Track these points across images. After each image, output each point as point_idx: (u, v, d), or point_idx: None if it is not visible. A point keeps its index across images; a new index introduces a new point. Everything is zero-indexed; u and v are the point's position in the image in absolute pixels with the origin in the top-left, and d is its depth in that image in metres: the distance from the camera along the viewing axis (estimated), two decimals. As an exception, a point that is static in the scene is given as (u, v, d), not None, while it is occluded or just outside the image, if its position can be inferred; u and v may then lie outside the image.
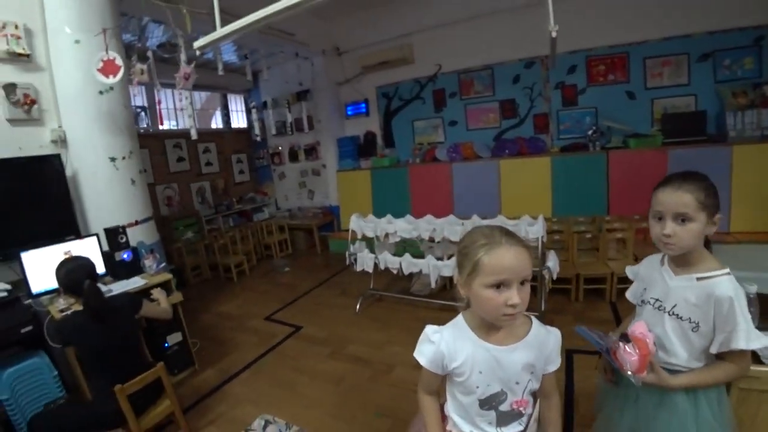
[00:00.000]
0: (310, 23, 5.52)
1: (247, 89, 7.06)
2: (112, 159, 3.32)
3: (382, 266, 3.61)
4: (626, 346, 1.08)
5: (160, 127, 6.03)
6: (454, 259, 3.14)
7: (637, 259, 2.42)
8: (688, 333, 1.14)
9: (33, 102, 3.08)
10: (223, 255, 5.57)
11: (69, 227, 3.15)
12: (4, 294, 2.70)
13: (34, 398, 2.35)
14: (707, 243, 1.18)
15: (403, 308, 3.84)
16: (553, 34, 2.25)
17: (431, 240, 3.34)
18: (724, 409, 1.15)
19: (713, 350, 1.11)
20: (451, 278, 3.94)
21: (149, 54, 3.32)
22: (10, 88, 2.97)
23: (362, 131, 6.21)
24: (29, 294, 2.77)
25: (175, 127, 6.34)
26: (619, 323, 1.66)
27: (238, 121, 7.42)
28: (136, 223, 3.47)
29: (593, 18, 4.54)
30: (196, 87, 6.46)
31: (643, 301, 1.30)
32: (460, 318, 1.17)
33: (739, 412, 1.18)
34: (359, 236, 3.79)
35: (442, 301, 3.68)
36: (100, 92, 3.22)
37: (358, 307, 3.85)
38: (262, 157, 7.32)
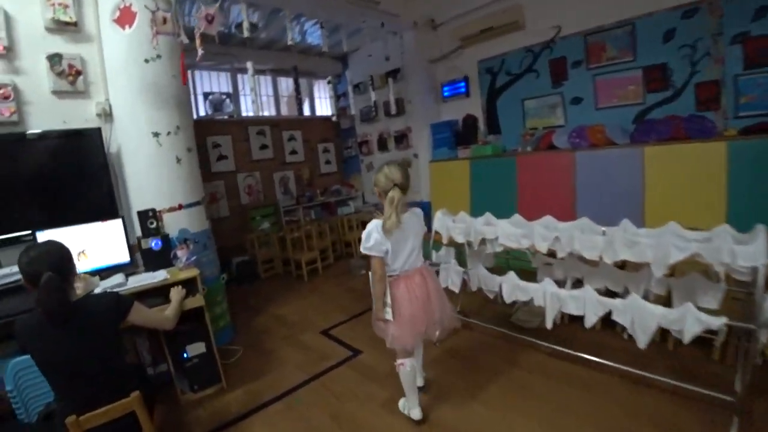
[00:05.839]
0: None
1: (335, 74, 6.52)
2: (156, 134, 2.88)
3: (473, 286, 2.59)
4: None
5: (244, 114, 5.75)
6: (589, 290, 2.06)
7: None
8: None
9: (78, 73, 2.78)
10: (297, 250, 5.01)
11: (107, 208, 2.76)
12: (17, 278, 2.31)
13: (40, 394, 2.04)
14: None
15: (498, 344, 2.77)
16: None
17: (551, 254, 2.21)
18: None
19: None
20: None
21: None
22: (55, 58, 2.70)
23: (461, 115, 5.20)
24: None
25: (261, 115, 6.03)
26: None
27: (327, 108, 6.93)
28: (180, 207, 2.97)
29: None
30: (280, 72, 6.09)
31: None
32: None
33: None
34: (445, 240, 2.82)
35: (558, 347, 2.45)
36: (146, 60, 2.84)
37: (436, 338, 2.86)
38: (350, 147, 6.71)
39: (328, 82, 4.23)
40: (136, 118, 2.84)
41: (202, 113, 5.34)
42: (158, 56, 2.85)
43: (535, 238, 2.23)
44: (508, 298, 2.40)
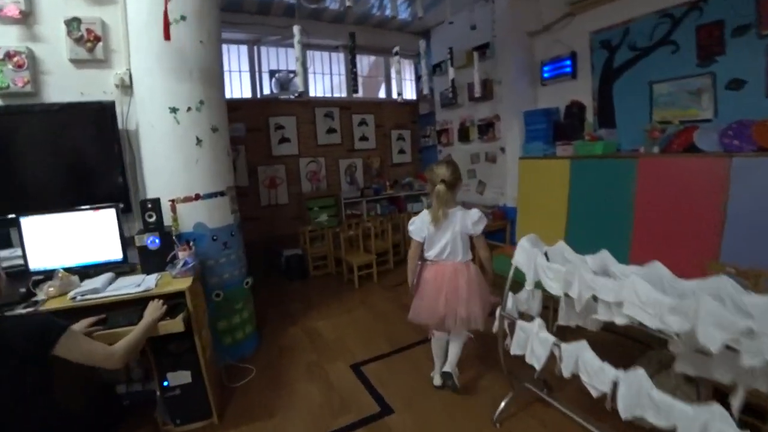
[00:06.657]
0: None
1: (416, 53, 5.77)
2: (173, 110, 2.44)
3: (566, 370, 1.60)
4: None
5: (312, 94, 5.25)
6: None
7: None
8: None
9: (97, 39, 2.43)
10: (352, 250, 4.44)
11: (116, 193, 2.38)
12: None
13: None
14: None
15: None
16: None
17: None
18: None
19: None
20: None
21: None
22: (73, 23, 2.37)
23: (564, 102, 4.15)
24: (26, 271, 2.04)
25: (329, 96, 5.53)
26: None
27: (408, 90, 6.20)
28: (197, 197, 2.50)
29: None
30: (360, 49, 5.49)
31: None
32: None
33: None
34: (530, 283, 1.86)
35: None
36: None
37: (497, 413, 2.03)
38: (428, 135, 5.94)
39: (394, 54, 3.49)
40: (154, 90, 2.42)
41: (266, 91, 4.96)
42: (182, 17, 2.40)
43: (699, 321, 1.12)
44: (625, 412, 1.33)
